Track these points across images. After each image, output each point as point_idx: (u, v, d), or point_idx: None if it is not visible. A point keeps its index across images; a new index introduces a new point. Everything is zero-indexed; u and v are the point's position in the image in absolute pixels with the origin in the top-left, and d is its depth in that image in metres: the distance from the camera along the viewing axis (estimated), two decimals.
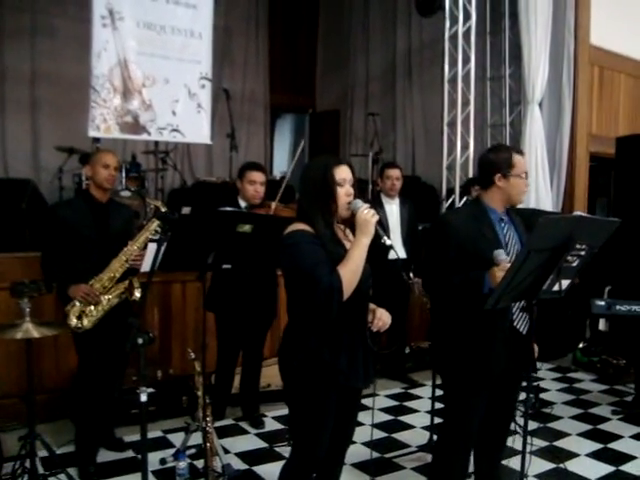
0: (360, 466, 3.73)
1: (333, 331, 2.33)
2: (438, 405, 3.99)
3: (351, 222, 2.35)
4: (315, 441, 2.43)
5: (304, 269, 2.24)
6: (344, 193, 2.34)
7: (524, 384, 3.00)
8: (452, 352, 2.86)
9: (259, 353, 4.42)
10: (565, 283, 2.57)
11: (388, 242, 2.32)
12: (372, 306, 2.52)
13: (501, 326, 2.75)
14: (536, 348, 2.97)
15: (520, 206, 3.01)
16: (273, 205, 4.24)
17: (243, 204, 4.20)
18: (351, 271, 2.25)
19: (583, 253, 2.48)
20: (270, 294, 4.34)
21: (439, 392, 3.93)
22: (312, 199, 2.36)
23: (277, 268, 4.25)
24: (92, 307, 3.40)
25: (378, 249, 2.36)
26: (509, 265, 2.49)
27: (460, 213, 3.40)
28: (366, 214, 2.28)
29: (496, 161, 2.80)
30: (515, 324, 2.80)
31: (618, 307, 4.51)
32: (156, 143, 6.59)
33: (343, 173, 2.36)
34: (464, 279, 2.70)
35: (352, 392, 2.48)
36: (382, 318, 2.44)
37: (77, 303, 3.39)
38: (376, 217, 2.29)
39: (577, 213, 2.52)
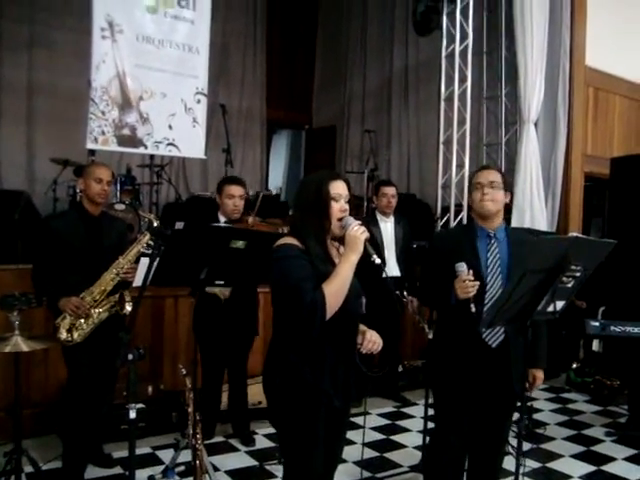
0: None
1: (316, 349, 2.26)
2: (431, 425, 3.95)
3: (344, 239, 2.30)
4: (306, 465, 2.32)
5: (289, 283, 2.19)
6: (338, 209, 2.30)
7: (518, 404, 2.98)
8: (431, 361, 3.07)
9: (243, 370, 4.36)
10: (560, 304, 2.56)
11: (377, 261, 2.27)
12: (362, 328, 2.45)
13: (468, 337, 2.77)
14: (542, 376, 2.98)
15: (514, 225, 3.05)
16: (250, 220, 4.21)
17: (222, 219, 4.17)
18: (336, 288, 2.19)
19: (578, 274, 2.47)
20: (250, 311, 4.29)
21: (432, 411, 3.91)
22: (305, 213, 2.32)
23: (261, 284, 4.25)
24: (82, 320, 3.37)
25: (371, 267, 2.34)
26: (469, 277, 2.67)
27: (450, 229, 3.54)
28: (355, 231, 2.24)
29: None
30: (484, 337, 2.81)
31: (612, 328, 4.49)
32: (151, 157, 6.59)
33: (339, 188, 2.32)
34: (437, 289, 2.86)
35: (338, 412, 2.38)
36: (372, 340, 2.37)
37: (67, 316, 3.36)
38: (366, 234, 2.25)
39: (573, 234, 2.52)
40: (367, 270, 2.33)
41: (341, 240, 2.35)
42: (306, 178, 2.58)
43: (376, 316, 4.32)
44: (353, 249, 2.23)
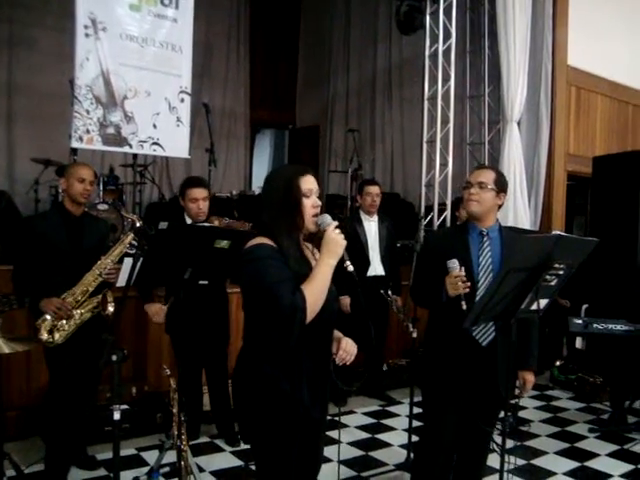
0: None
1: (292, 357, 2.12)
2: (416, 423, 3.97)
3: (318, 239, 2.16)
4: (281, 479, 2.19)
5: (264, 287, 2.02)
6: (310, 205, 2.15)
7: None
8: (422, 360, 3.04)
9: (222, 370, 4.29)
10: (543, 302, 2.57)
11: (350, 268, 2.14)
12: (337, 334, 2.31)
13: (459, 335, 2.76)
14: (532, 379, 3.01)
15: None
16: (216, 222, 4.18)
17: (189, 221, 4.11)
18: (317, 291, 2.05)
19: (561, 272, 2.48)
20: (221, 310, 4.27)
21: (417, 410, 3.92)
22: (275, 211, 2.15)
23: (233, 284, 4.23)
24: (64, 321, 3.34)
25: (356, 266, 2.27)
26: (460, 274, 2.66)
27: (444, 229, 3.53)
28: (337, 234, 2.10)
29: None
30: (475, 334, 2.81)
31: (595, 325, 4.55)
32: (134, 156, 6.55)
33: (309, 183, 2.17)
34: (430, 288, 2.85)
35: (315, 423, 2.25)
36: (347, 349, 2.23)
37: (48, 317, 3.32)
38: (345, 242, 2.12)
39: (556, 232, 2.53)
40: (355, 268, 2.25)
41: (314, 240, 2.23)
42: (272, 174, 2.32)
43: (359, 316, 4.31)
44: (332, 252, 2.09)
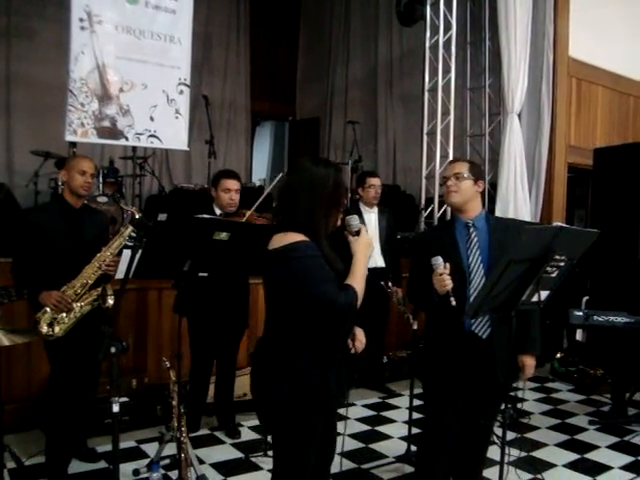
0: (334, 477, 3.67)
1: (331, 349, 2.20)
2: (416, 415, 3.98)
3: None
4: (303, 463, 2.24)
5: (314, 286, 2.08)
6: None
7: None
8: (422, 358, 3.04)
9: (232, 362, 4.36)
10: (544, 294, 2.56)
11: None
12: None
13: (455, 329, 2.76)
14: (532, 363, 2.95)
15: (498, 214, 3.04)
16: (247, 214, 4.20)
17: (218, 212, 4.18)
18: (362, 287, 2.17)
19: (562, 264, 2.47)
20: (242, 302, 4.28)
21: (417, 402, 3.92)
22: (322, 207, 2.19)
23: (253, 276, 4.23)
24: (64, 314, 3.33)
25: None
26: (445, 271, 2.66)
27: (432, 227, 3.51)
28: (370, 238, 2.29)
29: None
30: (473, 329, 2.80)
31: (595, 317, 4.54)
32: (134, 148, 6.53)
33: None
34: (422, 288, 2.83)
35: (333, 411, 2.37)
36: (360, 339, 2.37)
37: (48, 310, 3.31)
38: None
39: (557, 224, 2.51)
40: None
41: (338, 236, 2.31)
42: (316, 164, 2.26)
43: (364, 305, 4.29)
44: (368, 253, 2.26)
